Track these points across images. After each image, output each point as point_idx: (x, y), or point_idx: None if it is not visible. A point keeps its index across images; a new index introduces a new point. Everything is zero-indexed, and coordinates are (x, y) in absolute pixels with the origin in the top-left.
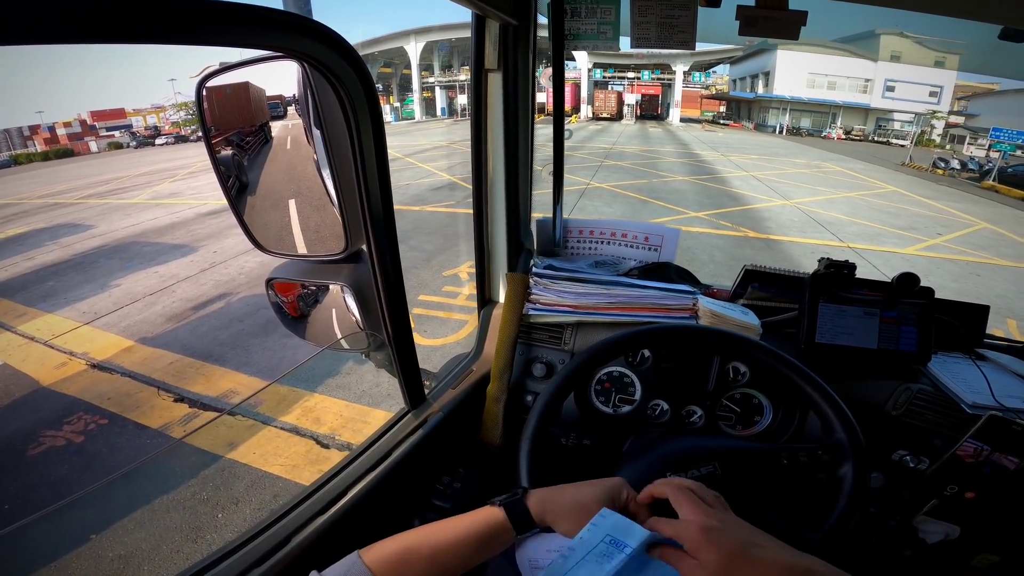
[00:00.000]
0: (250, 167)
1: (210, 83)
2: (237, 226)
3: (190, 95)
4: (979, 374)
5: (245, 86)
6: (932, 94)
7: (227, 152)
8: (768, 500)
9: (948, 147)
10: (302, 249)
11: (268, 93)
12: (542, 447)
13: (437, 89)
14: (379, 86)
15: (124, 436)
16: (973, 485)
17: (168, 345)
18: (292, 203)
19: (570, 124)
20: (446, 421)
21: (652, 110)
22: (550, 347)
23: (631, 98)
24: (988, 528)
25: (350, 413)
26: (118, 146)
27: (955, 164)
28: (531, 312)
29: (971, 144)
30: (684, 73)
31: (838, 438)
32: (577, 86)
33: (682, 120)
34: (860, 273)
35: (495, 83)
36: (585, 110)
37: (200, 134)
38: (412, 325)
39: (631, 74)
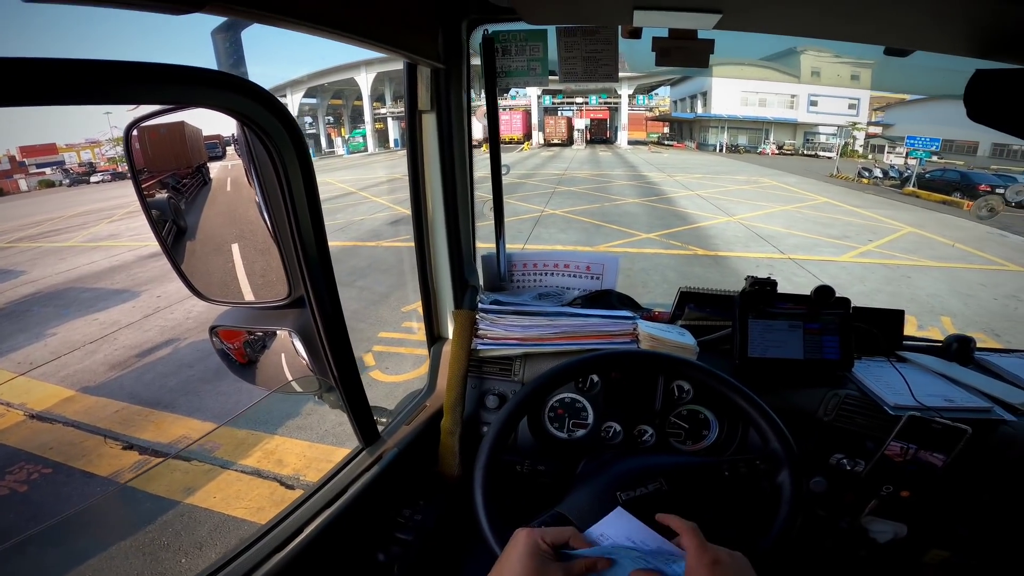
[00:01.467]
0: (188, 211)
1: (144, 123)
2: None
3: None
4: (899, 376)
5: (180, 126)
6: (851, 106)
7: (162, 195)
8: (720, 512)
9: (870, 157)
10: (249, 295)
11: (205, 133)
12: (497, 476)
13: (390, 120)
14: (330, 118)
15: (71, 484)
16: (906, 484)
17: (112, 393)
18: (235, 247)
19: (523, 151)
20: (402, 456)
21: (601, 134)
22: (501, 379)
23: (580, 123)
24: (933, 525)
25: (313, 453)
26: (50, 184)
27: (878, 173)
28: (480, 347)
29: (890, 152)
30: (629, 96)
31: (773, 447)
32: (528, 113)
33: (630, 143)
34: (801, 283)
35: (429, 123)
36: (537, 137)
37: (141, 172)
38: (372, 362)
39: (579, 99)
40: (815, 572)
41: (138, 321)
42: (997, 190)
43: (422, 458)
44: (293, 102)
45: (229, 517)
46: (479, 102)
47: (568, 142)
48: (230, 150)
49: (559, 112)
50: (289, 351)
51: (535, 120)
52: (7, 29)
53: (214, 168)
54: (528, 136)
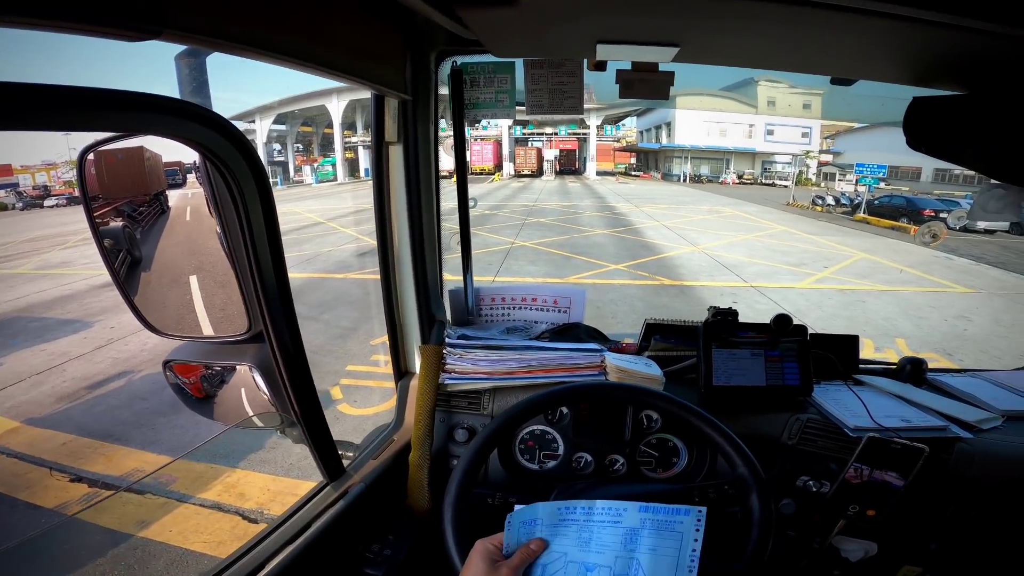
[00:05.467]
0: (143, 240)
1: (100, 147)
2: None
3: None
4: (857, 399)
5: (139, 151)
6: (804, 135)
7: (117, 224)
8: None
9: (823, 184)
10: (207, 329)
11: (166, 159)
12: (467, 510)
13: (360, 148)
14: (299, 146)
15: (15, 516)
16: (871, 503)
17: (59, 425)
18: (193, 280)
19: (494, 181)
20: (369, 491)
21: (570, 165)
22: (470, 413)
23: (550, 154)
24: (902, 542)
25: (278, 487)
26: (2, 207)
27: (830, 200)
28: (448, 381)
29: (841, 180)
30: (597, 127)
31: (740, 472)
32: (499, 144)
33: (598, 173)
34: (764, 310)
35: (396, 155)
36: (508, 167)
37: (96, 199)
38: (340, 396)
39: (549, 129)
40: None
41: (89, 352)
42: (941, 215)
43: (391, 492)
44: (262, 128)
45: (187, 551)
46: (448, 133)
47: (538, 173)
48: (191, 177)
49: (529, 142)
50: (249, 386)
51: (506, 151)
52: None
53: (173, 196)
54: (499, 167)
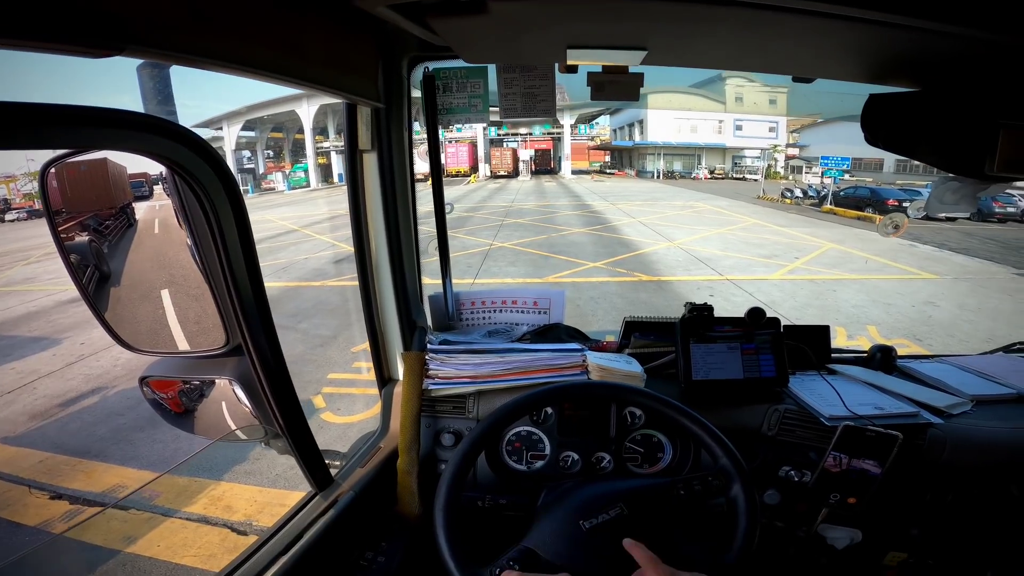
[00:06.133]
0: (111, 255)
1: (63, 160)
2: None
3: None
4: (831, 388)
5: (103, 163)
6: (771, 129)
7: (83, 238)
8: (682, 530)
9: (791, 177)
10: (183, 343)
11: (131, 170)
12: (458, 514)
13: (333, 154)
14: (269, 152)
15: None
16: (851, 491)
17: (34, 444)
18: (166, 294)
19: (470, 184)
20: (359, 499)
21: (546, 164)
22: (456, 417)
23: (526, 154)
24: (885, 529)
25: (265, 498)
26: None
27: (798, 193)
28: (431, 387)
29: (808, 172)
30: (571, 126)
31: (723, 464)
32: (474, 145)
33: (573, 172)
34: (740, 302)
35: (370, 162)
36: (484, 169)
37: (59, 214)
38: (323, 404)
39: (524, 130)
40: None
41: (60, 370)
42: (904, 204)
43: (380, 499)
44: (230, 135)
45: (177, 565)
46: (423, 137)
47: (514, 173)
48: (158, 189)
49: (504, 143)
50: (230, 399)
51: (481, 152)
52: None
53: (140, 208)
54: (475, 169)
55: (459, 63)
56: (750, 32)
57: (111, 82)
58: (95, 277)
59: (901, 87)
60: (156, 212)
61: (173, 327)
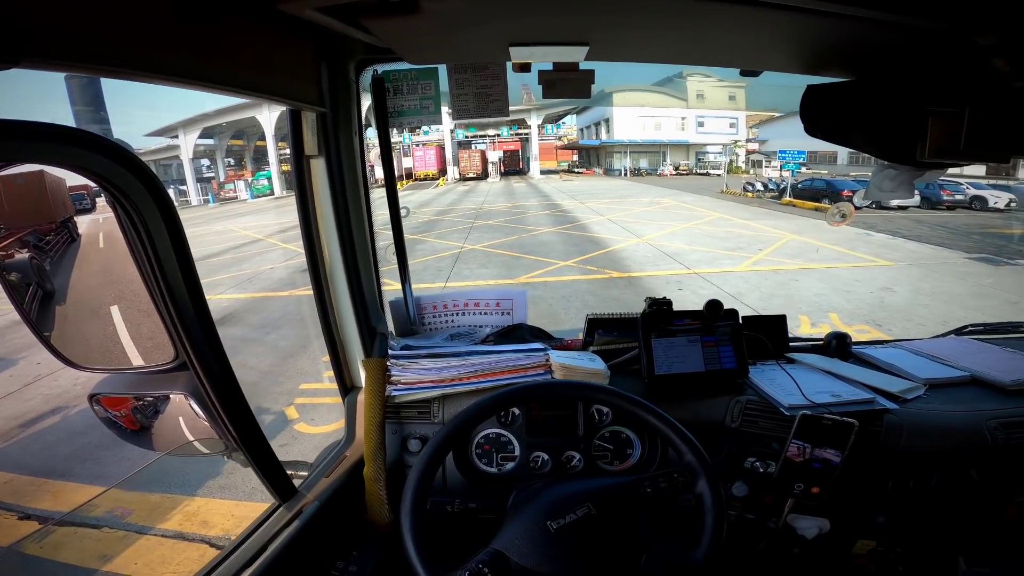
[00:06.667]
0: (54, 272)
1: None
2: None
3: None
4: (789, 377)
5: (40, 176)
6: (731, 125)
7: (23, 255)
8: (651, 527)
9: (752, 172)
10: (138, 359)
11: (70, 183)
12: (426, 519)
13: None
14: (230, 160)
15: None
16: (814, 480)
17: None
18: (115, 310)
19: (439, 186)
20: (325, 509)
21: (515, 165)
22: (421, 422)
23: (494, 155)
24: (852, 517)
25: (243, 512)
26: None
27: (759, 186)
28: (394, 393)
29: (767, 166)
30: (538, 126)
31: (687, 460)
32: (442, 148)
33: (542, 172)
34: (708, 294)
35: (318, 168)
36: (452, 171)
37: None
38: (296, 415)
39: (492, 131)
40: (755, 574)
41: (17, 391)
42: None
43: (349, 508)
44: (187, 143)
45: None
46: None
47: (484, 175)
48: (100, 201)
49: (473, 145)
50: (187, 414)
51: (449, 155)
52: None
53: (83, 222)
54: (443, 171)
55: (409, 65)
56: (687, 23)
57: (43, 91)
58: (38, 295)
59: (837, 77)
60: (100, 226)
61: (126, 343)
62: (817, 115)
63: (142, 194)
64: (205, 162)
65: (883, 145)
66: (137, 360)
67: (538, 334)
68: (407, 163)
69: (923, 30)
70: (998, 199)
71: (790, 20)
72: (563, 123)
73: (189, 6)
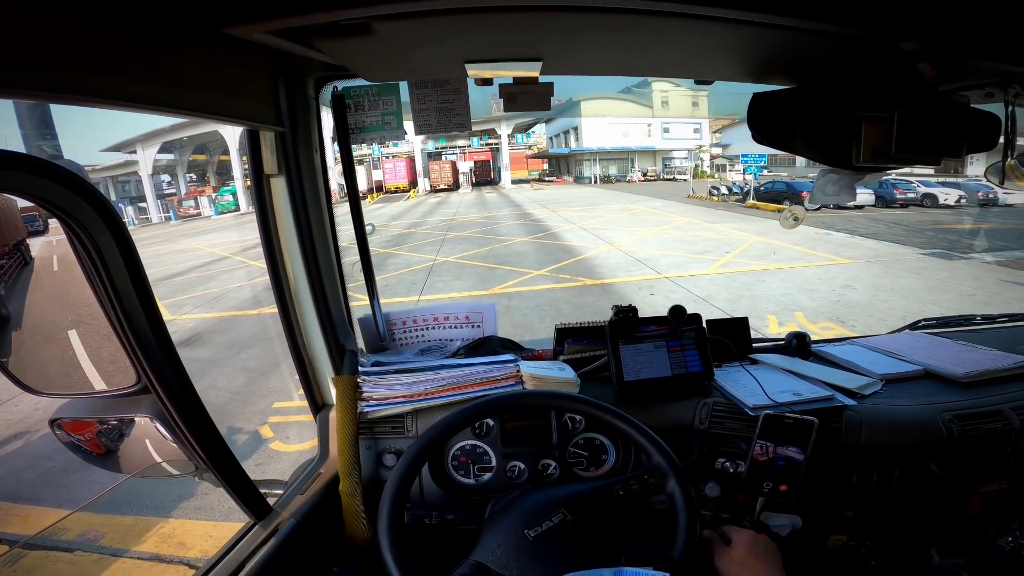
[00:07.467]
0: (8, 297)
1: None
2: None
3: None
4: (752, 378)
5: None
6: (695, 131)
7: None
8: (627, 530)
9: (717, 176)
10: (100, 383)
11: (22, 204)
12: (405, 533)
13: None
14: (192, 175)
15: None
16: (781, 479)
17: None
18: (73, 334)
19: (410, 199)
20: (301, 526)
21: (486, 176)
22: (395, 436)
23: (465, 166)
24: (822, 513)
25: (221, 532)
26: None
27: (724, 190)
28: (366, 409)
29: (731, 170)
30: (508, 136)
31: (656, 461)
32: (412, 160)
33: (513, 182)
34: (679, 298)
35: (279, 187)
36: (423, 183)
37: None
38: (271, 434)
39: (461, 142)
40: None
41: None
42: None
43: (326, 525)
44: (145, 159)
45: None
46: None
47: (455, 186)
48: (53, 222)
49: (443, 156)
50: (154, 436)
51: (420, 167)
52: None
53: (36, 245)
54: (414, 184)
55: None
56: (635, 38)
57: None
58: None
59: (782, 85)
60: (54, 248)
61: (86, 367)
62: (763, 121)
63: (92, 217)
64: (166, 177)
65: (823, 149)
66: (99, 384)
67: (509, 345)
68: (377, 176)
69: (855, 38)
70: (948, 196)
71: (732, 31)
72: (533, 132)
73: (134, 31)
